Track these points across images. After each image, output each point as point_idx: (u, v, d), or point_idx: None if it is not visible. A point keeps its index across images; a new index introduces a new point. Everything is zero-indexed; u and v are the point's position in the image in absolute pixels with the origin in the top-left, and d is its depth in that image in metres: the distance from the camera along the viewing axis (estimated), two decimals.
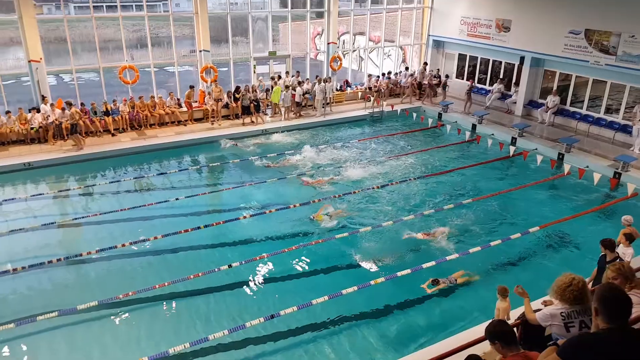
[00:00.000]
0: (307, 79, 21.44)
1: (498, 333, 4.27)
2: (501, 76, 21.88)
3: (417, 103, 22.32)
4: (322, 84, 20.09)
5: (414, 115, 19.81)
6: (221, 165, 15.85)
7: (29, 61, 17.11)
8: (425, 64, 24.04)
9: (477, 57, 23.05)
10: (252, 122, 19.32)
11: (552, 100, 19.13)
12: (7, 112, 16.42)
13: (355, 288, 8.74)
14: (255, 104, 19.19)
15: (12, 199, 13.19)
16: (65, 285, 9.62)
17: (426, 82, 22.61)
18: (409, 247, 10.70)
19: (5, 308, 8.80)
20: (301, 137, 18.60)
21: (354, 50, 25.51)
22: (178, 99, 19.26)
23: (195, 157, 16.88)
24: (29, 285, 9.53)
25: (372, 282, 9.01)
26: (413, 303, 8.97)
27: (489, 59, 22.53)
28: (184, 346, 7.46)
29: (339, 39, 23.67)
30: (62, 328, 8.30)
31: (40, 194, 13.62)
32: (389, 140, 18.25)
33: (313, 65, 23.60)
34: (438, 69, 23.80)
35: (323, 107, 20.50)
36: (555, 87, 19.63)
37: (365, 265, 10.10)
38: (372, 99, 21.24)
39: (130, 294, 8.83)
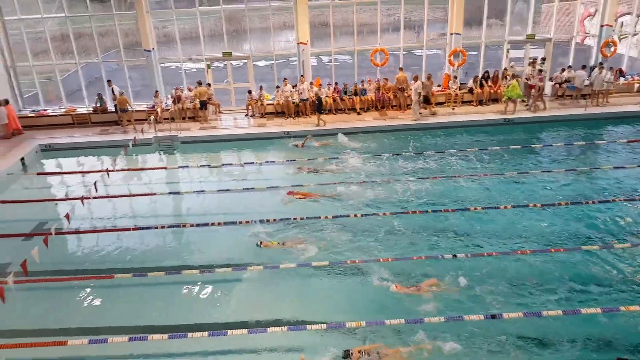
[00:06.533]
0: (570, 66, 18.93)
1: None
2: None
3: None
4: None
5: None
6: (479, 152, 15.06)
7: (298, 43, 19.25)
8: None
9: None
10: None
11: None
12: (277, 87, 18.88)
13: None
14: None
15: (268, 162, 14.71)
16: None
17: None
18: None
19: (228, 255, 9.86)
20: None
21: (635, 35, 21.39)
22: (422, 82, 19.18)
23: (438, 141, 16.35)
24: (250, 236, 10.44)
25: None
26: None
27: None
28: (359, 323, 7.21)
29: (616, 20, 20.17)
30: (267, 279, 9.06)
31: (271, 160, 14.93)
32: None
33: (578, 50, 20.68)
34: None
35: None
36: None
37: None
38: None
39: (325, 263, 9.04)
